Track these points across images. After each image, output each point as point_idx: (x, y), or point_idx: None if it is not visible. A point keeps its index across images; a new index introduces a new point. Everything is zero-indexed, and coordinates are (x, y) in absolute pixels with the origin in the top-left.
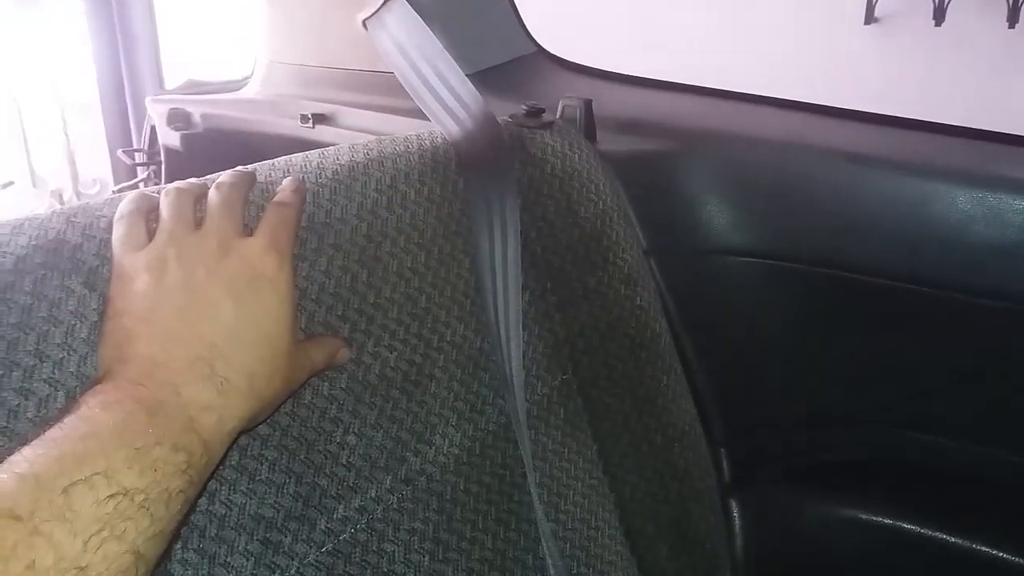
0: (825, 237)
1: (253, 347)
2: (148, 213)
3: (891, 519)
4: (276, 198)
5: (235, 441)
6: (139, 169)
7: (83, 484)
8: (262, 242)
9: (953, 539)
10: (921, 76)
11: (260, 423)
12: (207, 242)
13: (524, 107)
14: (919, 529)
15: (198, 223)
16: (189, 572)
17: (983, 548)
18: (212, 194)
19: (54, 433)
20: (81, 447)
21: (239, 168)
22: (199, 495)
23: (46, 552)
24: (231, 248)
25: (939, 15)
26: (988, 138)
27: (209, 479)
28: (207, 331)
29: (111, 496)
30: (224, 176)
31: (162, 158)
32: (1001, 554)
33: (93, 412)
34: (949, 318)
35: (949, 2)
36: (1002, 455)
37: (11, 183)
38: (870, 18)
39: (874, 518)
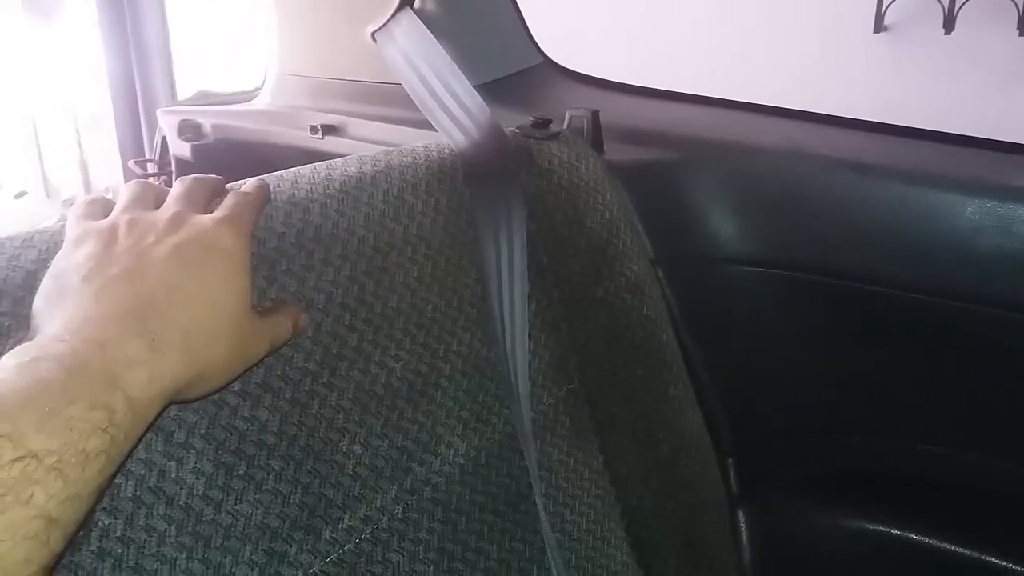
0: (832, 247)
1: (195, 307)
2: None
3: (899, 530)
4: (240, 189)
5: (240, 449)
6: (150, 179)
7: None
8: (218, 216)
9: (961, 550)
10: (931, 84)
11: (207, 394)
12: (160, 215)
13: (531, 118)
14: (927, 540)
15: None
16: None
17: (991, 559)
18: (175, 185)
19: None
20: None
21: (250, 179)
22: (125, 457)
23: None
24: (185, 221)
25: (949, 23)
26: (996, 148)
27: (139, 442)
28: (145, 288)
29: (17, 460)
30: (189, 178)
31: (173, 168)
32: (1009, 565)
33: (6, 374)
34: (958, 329)
35: (959, 10)
36: (1013, 467)
37: (24, 193)
38: (879, 26)
39: (882, 529)
